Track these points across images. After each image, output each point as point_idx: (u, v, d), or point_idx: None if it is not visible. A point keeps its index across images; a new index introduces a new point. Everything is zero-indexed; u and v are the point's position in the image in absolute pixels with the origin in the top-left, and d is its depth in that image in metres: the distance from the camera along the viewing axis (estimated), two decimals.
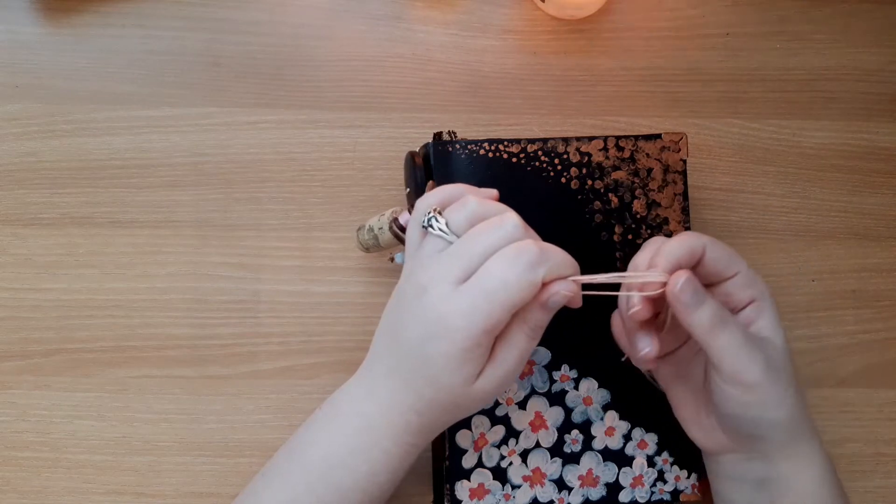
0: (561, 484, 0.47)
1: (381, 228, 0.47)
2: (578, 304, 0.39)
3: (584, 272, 0.39)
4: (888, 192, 0.55)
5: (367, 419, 0.40)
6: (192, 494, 0.50)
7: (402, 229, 0.45)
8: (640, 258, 0.41)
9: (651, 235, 0.47)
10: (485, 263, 0.37)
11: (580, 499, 0.47)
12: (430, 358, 0.38)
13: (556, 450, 0.47)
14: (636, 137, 0.48)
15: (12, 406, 0.50)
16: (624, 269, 0.47)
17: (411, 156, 0.48)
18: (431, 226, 0.39)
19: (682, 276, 0.38)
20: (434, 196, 0.40)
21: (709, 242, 0.40)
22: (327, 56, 0.55)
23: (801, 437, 0.41)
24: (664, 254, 0.39)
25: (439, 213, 0.39)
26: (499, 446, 0.47)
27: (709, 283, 0.41)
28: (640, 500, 0.47)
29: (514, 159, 0.47)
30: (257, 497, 0.42)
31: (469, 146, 0.47)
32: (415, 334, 0.38)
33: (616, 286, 0.41)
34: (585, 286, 0.39)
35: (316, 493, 0.40)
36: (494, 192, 0.42)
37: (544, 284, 0.38)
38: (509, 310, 0.37)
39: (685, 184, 0.48)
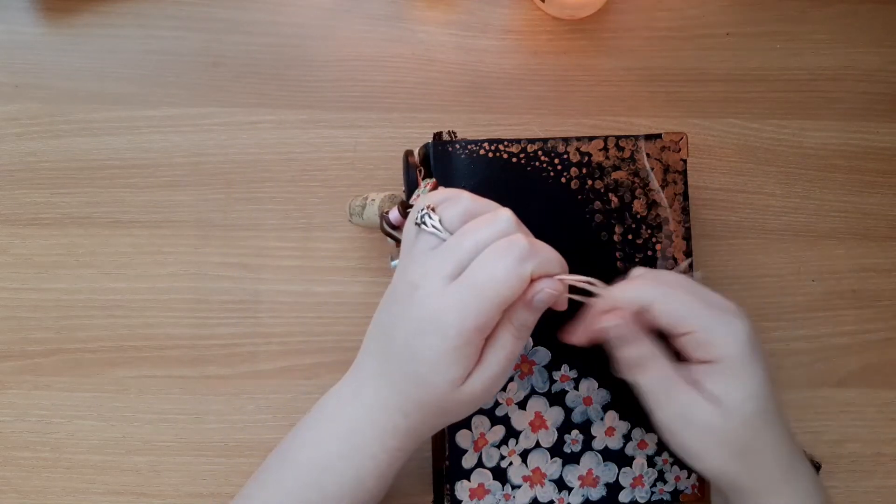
0: (561, 484, 0.47)
1: (372, 201, 0.47)
2: (564, 305, 0.39)
3: (583, 272, 0.39)
4: (888, 192, 0.55)
5: (354, 422, 0.40)
6: (192, 494, 0.50)
7: (393, 227, 0.45)
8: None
9: (651, 235, 0.47)
10: (476, 258, 0.37)
11: (580, 499, 0.47)
12: (418, 355, 0.37)
13: (556, 450, 0.47)
14: (636, 137, 0.48)
15: (12, 406, 0.50)
16: (624, 269, 0.47)
17: (407, 155, 0.48)
18: (424, 222, 0.38)
19: (612, 320, 0.40)
20: (432, 197, 0.40)
21: (660, 297, 0.40)
22: (327, 56, 0.55)
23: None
24: (617, 298, 0.40)
25: (433, 209, 0.39)
26: (499, 446, 0.47)
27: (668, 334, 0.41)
28: (640, 501, 0.47)
29: (514, 159, 0.47)
30: (251, 500, 0.42)
31: (469, 146, 0.47)
32: (404, 331, 0.38)
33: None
34: (572, 289, 0.39)
35: (307, 496, 0.40)
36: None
37: (533, 281, 0.37)
38: (498, 305, 0.36)
39: (685, 184, 0.48)
